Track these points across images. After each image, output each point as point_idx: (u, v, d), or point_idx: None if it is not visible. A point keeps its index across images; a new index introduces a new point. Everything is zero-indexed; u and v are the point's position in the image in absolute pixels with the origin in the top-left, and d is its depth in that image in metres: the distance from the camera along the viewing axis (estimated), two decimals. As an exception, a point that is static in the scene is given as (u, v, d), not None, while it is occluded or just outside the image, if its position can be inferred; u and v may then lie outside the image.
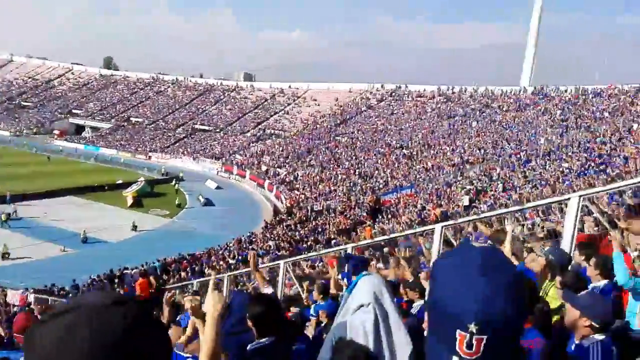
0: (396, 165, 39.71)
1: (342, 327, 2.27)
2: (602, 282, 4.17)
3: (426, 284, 5.91)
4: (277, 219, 33.23)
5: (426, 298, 1.17)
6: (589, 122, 34.01)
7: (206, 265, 22.27)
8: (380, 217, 27.73)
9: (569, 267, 4.67)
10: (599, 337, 2.65)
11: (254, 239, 27.46)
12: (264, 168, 49.50)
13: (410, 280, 6.38)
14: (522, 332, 1.11)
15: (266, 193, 44.59)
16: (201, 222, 35.04)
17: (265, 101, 71.58)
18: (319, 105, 64.94)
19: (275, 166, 49.02)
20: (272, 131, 62.24)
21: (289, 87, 73.04)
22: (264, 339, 2.73)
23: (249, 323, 2.74)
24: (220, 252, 25.03)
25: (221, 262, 22.40)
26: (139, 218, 34.18)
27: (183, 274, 20.85)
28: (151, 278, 11.67)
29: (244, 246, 25.56)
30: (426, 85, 58.90)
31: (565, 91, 42.92)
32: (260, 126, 64.97)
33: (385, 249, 12.47)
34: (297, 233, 27.56)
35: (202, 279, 13.81)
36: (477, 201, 26.03)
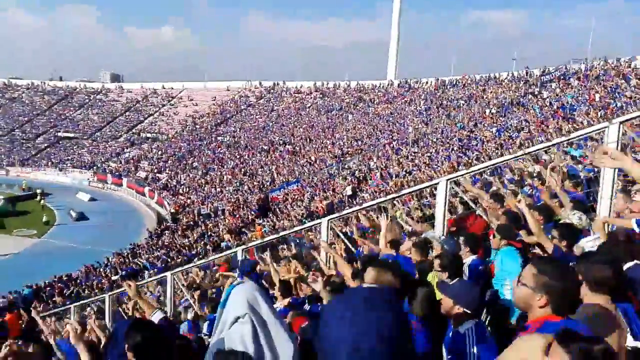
0: (281, 162, 40.12)
1: (219, 344, 2.18)
2: (471, 258, 4.68)
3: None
4: (162, 227, 31.74)
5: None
6: (448, 110, 37.41)
7: (84, 285, 20.55)
8: (270, 214, 27.87)
9: (444, 250, 5.09)
10: (471, 323, 2.89)
11: (138, 251, 25.92)
12: (142, 174, 46.81)
13: (305, 275, 6.58)
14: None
15: (147, 200, 42.27)
16: (75, 238, 32.11)
17: (137, 103, 67.46)
18: (196, 105, 62.91)
19: (155, 171, 46.65)
20: (148, 134, 58.99)
21: (163, 87, 69.54)
22: None
23: (129, 355, 2.48)
24: (100, 270, 23.24)
25: (103, 280, 20.84)
26: (1, 241, 30.36)
27: (58, 298, 19.00)
28: (21, 310, 10.47)
29: (127, 260, 24.02)
30: (303, 81, 60.10)
31: (427, 83, 46.68)
32: (133, 130, 61.17)
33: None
34: (185, 240, 26.60)
35: (81, 302, 12.72)
36: (359, 190, 27.37)
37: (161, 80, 72.05)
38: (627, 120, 4.84)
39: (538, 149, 6.45)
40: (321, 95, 54.70)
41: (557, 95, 30.00)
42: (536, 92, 32.31)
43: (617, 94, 24.62)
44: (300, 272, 7.16)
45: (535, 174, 9.36)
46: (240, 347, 2.12)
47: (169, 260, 22.07)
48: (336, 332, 1.16)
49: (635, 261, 3.14)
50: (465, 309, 2.91)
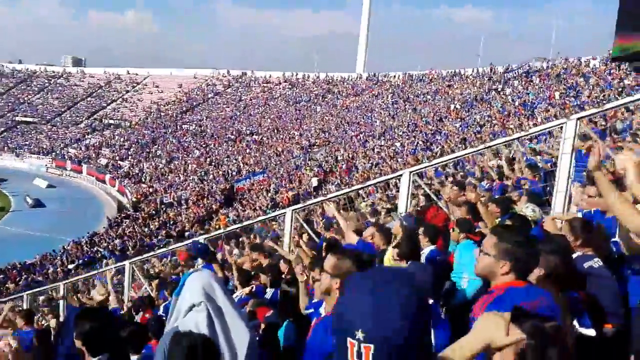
0: (247, 152, 39.73)
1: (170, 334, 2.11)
2: (430, 248, 4.74)
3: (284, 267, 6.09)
4: (123, 215, 30.99)
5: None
6: (415, 104, 37.85)
7: (39, 274, 19.87)
8: (234, 204, 27.60)
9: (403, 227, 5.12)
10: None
11: (96, 240, 25.23)
12: (103, 161, 45.52)
13: (265, 265, 6.52)
14: (416, 348, 1.13)
15: (108, 188, 41.15)
16: (31, 225, 30.96)
17: (100, 88, 65.37)
18: (161, 92, 61.44)
19: (117, 158, 45.42)
20: (110, 121, 57.32)
21: (127, 72, 67.56)
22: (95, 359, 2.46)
23: (77, 343, 2.45)
24: (57, 258, 22.51)
25: (58, 269, 20.19)
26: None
27: (12, 285, 18.31)
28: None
29: (85, 249, 23.34)
30: (272, 71, 59.59)
31: (395, 77, 47.07)
32: (95, 116, 59.30)
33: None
34: (146, 229, 26.05)
35: (34, 290, 12.27)
36: (325, 182, 27.42)
37: (125, 65, 70.09)
38: (584, 116, 4.98)
39: (498, 143, 6.58)
40: (290, 86, 54.38)
41: (519, 92, 30.77)
42: (499, 89, 33.05)
43: (576, 92, 25.45)
44: (261, 262, 7.09)
45: (495, 168, 9.56)
46: None
47: (129, 249, 21.58)
48: (353, 306, 1.15)
49: (584, 251, 3.22)
50: None
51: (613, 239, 3.37)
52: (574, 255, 3.20)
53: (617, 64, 26.42)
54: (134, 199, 33.99)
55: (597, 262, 3.16)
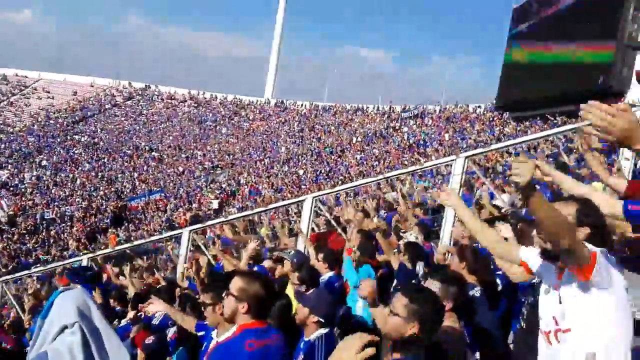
0: (145, 169, 37.85)
1: None
2: (329, 274, 4.84)
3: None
4: (-5, 229, 27.74)
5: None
6: (319, 134, 38.91)
7: None
8: (126, 224, 25.99)
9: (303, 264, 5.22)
10: (323, 330, 2.96)
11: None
12: (-24, 169, 40.64)
13: (159, 287, 6.22)
14: None
15: (-21, 199, 36.69)
16: None
17: (-20, 88, 58.92)
18: (52, 98, 56.78)
19: (-7, 167, 40.84)
20: (-11, 125, 51.62)
21: (15, 74, 61.69)
22: None
23: None
24: None
25: None
26: None
27: None
28: None
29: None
30: (177, 87, 57.86)
31: (302, 105, 48.16)
32: (-30, 118, 53.12)
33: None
34: (23, 246, 23.54)
35: None
36: (227, 205, 26.92)
37: (14, 66, 63.96)
38: (471, 155, 5.46)
39: (395, 175, 7.02)
40: (195, 105, 53.17)
41: (413, 131, 32.99)
42: (397, 127, 35.16)
43: (464, 135, 27.87)
44: (154, 283, 6.76)
45: (392, 200, 10.11)
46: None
47: (1, 267, 19.32)
48: None
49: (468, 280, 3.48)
50: (320, 318, 2.96)
51: (498, 272, 3.58)
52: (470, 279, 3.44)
53: (499, 113, 29.54)
54: (11, 213, 30.64)
55: (477, 291, 3.39)
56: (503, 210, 5.41)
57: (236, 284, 2.38)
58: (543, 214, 1.84)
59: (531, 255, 2.26)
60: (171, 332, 4.44)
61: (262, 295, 2.36)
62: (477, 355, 2.81)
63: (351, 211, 6.59)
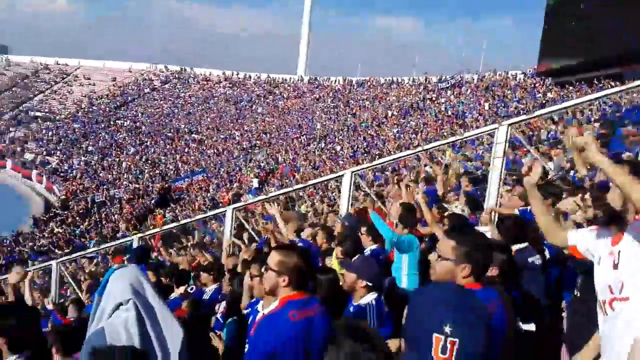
0: (186, 151, 38.72)
1: (99, 336, 1.98)
2: (372, 247, 4.89)
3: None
4: (50, 214, 29.23)
5: (403, 322, 1.28)
6: (355, 109, 38.58)
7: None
8: (172, 204, 26.83)
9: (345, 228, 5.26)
10: (373, 296, 3.02)
11: (21, 240, 23.64)
12: (29, 156, 42.67)
13: (205, 264, 6.44)
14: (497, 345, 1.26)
15: (35, 185, 38.60)
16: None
17: (26, 78, 61.29)
18: (93, 85, 58.50)
19: (44, 154, 42.75)
20: (37, 113, 53.84)
21: (56, 63, 63.69)
22: (14, 357, 2.33)
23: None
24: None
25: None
26: None
27: None
28: None
29: (9, 249, 21.82)
30: (212, 69, 58.42)
31: (335, 81, 47.73)
32: (21, 107, 55.49)
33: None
34: (77, 229, 24.73)
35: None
36: (266, 183, 27.31)
37: (54, 55, 66.04)
38: (514, 122, 5.33)
39: (434, 147, 6.91)
40: (230, 85, 53.61)
41: (451, 102, 32.20)
42: (433, 98, 34.40)
43: (504, 103, 27.01)
44: (202, 260, 6.99)
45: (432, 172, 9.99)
46: (125, 336, 1.95)
47: (57, 249, 20.41)
48: (435, 307, 1.29)
49: (522, 245, 3.44)
50: (367, 282, 3.00)
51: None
52: (514, 249, 3.37)
53: (541, 79, 28.36)
54: (63, 197, 32.15)
55: (538, 259, 3.35)
56: (550, 177, 5.28)
57: (274, 257, 2.40)
58: (612, 170, 1.86)
59: (580, 237, 2.21)
60: (221, 306, 4.53)
61: (302, 266, 2.38)
62: (533, 326, 2.77)
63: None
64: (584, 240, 2.18)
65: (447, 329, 1.17)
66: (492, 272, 2.51)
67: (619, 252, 1.97)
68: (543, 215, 2.39)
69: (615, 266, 1.97)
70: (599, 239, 2.13)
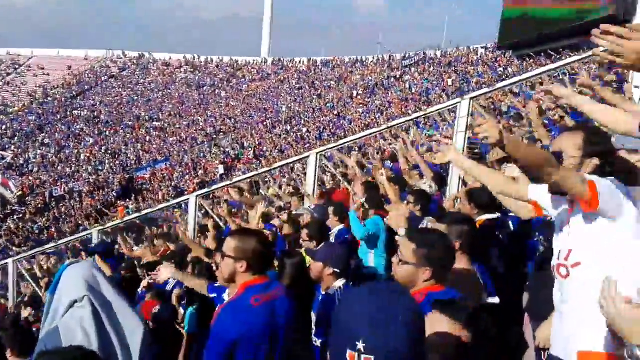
0: (147, 139, 37.73)
1: (52, 337, 1.90)
2: (339, 227, 4.80)
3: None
4: (7, 210, 28.09)
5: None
6: (320, 90, 38.34)
7: None
8: (134, 195, 26.15)
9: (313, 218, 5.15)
10: (341, 282, 2.95)
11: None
12: (-19, 152, 40.77)
13: (168, 253, 6.24)
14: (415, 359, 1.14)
15: (-13, 182, 36.97)
16: None
17: (-26, 70, 58.23)
18: (48, 75, 56.11)
19: (-3, 148, 40.94)
20: (-12, 107, 51.34)
21: (8, 53, 60.73)
22: None
23: None
24: None
25: None
26: None
27: None
28: None
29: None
30: (172, 53, 56.82)
31: (299, 62, 47.24)
32: (-31, 101, 52.81)
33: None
34: (35, 226, 23.85)
35: None
36: (232, 169, 26.92)
37: (5, 45, 62.91)
38: (477, 96, 5.28)
39: (399, 124, 6.83)
40: (192, 69, 52.36)
41: (415, 79, 32.35)
42: (398, 76, 34.48)
43: (466, 79, 27.30)
44: (166, 249, 6.77)
45: (395, 151, 9.96)
46: (81, 335, 1.87)
47: (15, 248, 19.64)
48: (354, 317, 1.18)
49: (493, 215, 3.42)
50: (334, 269, 2.94)
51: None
52: (484, 218, 3.37)
53: (502, 53, 28.75)
54: (19, 193, 30.93)
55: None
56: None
57: (230, 244, 2.33)
58: (521, 154, 1.79)
59: (542, 193, 2.14)
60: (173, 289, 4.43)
61: (260, 250, 2.31)
62: (496, 299, 2.74)
63: (352, 161, 6.48)
64: (545, 199, 2.13)
65: (361, 345, 1.09)
66: (456, 244, 2.47)
67: (570, 219, 1.97)
68: (493, 174, 2.35)
69: (569, 234, 1.96)
70: (558, 205, 2.08)
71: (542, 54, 23.01)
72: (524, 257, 3.38)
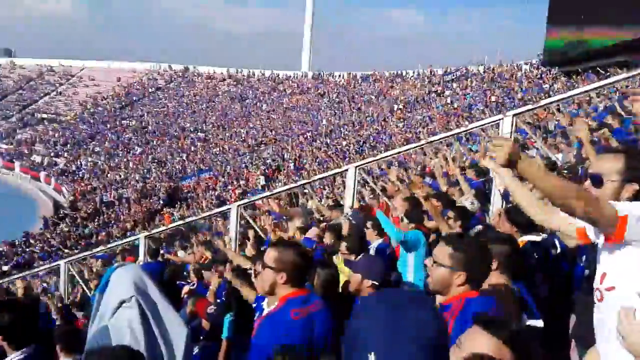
0: (192, 149, 38.83)
1: (102, 335, 1.96)
2: (378, 241, 4.84)
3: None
4: (60, 214, 29.45)
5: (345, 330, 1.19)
6: (359, 104, 38.44)
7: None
8: (179, 203, 26.93)
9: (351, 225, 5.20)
10: None
11: (31, 241, 23.85)
12: (37, 158, 42.99)
13: (208, 260, 6.45)
14: None
15: (43, 186, 38.88)
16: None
17: (31, 81, 61.67)
18: (98, 85, 58.71)
19: (52, 155, 43.05)
20: (44, 115, 54.19)
21: (60, 64, 64.02)
22: (17, 353, 2.33)
23: None
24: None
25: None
26: None
27: None
28: None
29: (19, 250, 22.01)
30: (215, 67, 58.38)
31: (339, 76, 47.55)
32: (27, 110, 55.89)
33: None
34: (85, 229, 24.89)
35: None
36: (273, 180, 27.32)
37: (58, 56, 66.31)
38: (520, 112, 5.25)
39: (440, 139, 6.85)
40: (235, 83, 53.62)
41: (457, 94, 31.97)
42: (439, 91, 34.17)
43: (510, 95, 26.79)
44: (207, 257, 7.00)
45: (435, 166, 9.92)
46: (129, 334, 1.92)
47: (66, 250, 20.57)
48: (371, 327, 1.13)
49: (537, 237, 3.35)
50: (373, 282, 2.95)
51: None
52: (527, 239, 3.28)
53: (547, 68, 28.09)
54: (72, 198, 32.39)
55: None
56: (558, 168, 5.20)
57: (270, 254, 2.33)
58: (542, 182, 1.67)
59: None
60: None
61: (299, 262, 2.32)
62: (540, 322, 2.60)
63: (394, 175, 6.50)
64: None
65: (372, 358, 1.07)
66: (494, 265, 2.42)
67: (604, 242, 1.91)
68: (532, 198, 2.24)
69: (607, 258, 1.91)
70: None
71: (590, 71, 22.36)
72: (570, 281, 3.31)
